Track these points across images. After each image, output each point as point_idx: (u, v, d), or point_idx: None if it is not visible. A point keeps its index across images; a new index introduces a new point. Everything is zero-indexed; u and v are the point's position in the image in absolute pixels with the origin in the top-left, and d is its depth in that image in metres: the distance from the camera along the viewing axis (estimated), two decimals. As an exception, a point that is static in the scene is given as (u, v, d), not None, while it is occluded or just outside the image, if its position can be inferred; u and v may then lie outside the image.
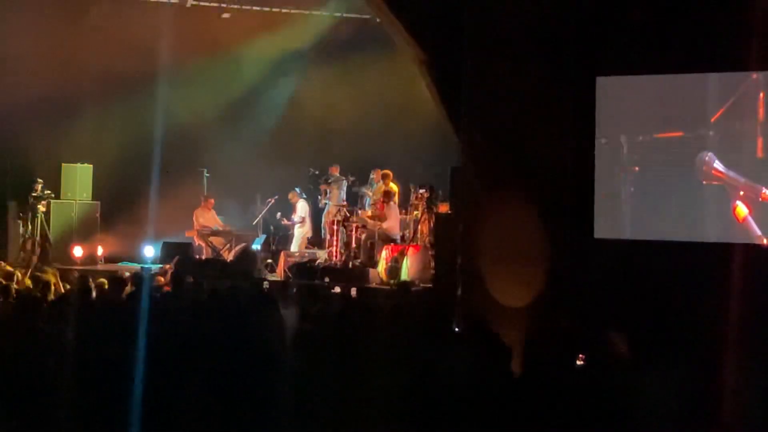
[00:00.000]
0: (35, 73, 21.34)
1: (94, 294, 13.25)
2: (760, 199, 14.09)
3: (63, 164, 22.39)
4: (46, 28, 21.37)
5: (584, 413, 8.44)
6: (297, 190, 22.19)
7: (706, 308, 13.21)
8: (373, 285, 18.36)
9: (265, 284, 16.50)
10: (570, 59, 14.81)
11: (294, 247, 21.50)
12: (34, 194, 21.56)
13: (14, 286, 13.70)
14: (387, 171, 21.08)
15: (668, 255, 14.20)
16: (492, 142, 15.72)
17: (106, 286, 13.64)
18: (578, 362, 10.24)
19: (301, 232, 21.79)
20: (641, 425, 8.49)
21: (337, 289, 15.27)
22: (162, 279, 16.20)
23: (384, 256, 19.15)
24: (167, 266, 19.28)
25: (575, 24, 14.72)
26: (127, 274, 15.62)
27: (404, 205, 20.83)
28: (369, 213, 20.58)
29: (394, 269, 18.73)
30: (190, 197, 22.44)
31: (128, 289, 14.43)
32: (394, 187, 20.78)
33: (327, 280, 16.36)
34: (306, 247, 21.66)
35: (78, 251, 21.46)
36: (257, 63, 23.19)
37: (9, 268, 16.48)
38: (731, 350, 11.31)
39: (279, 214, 22.28)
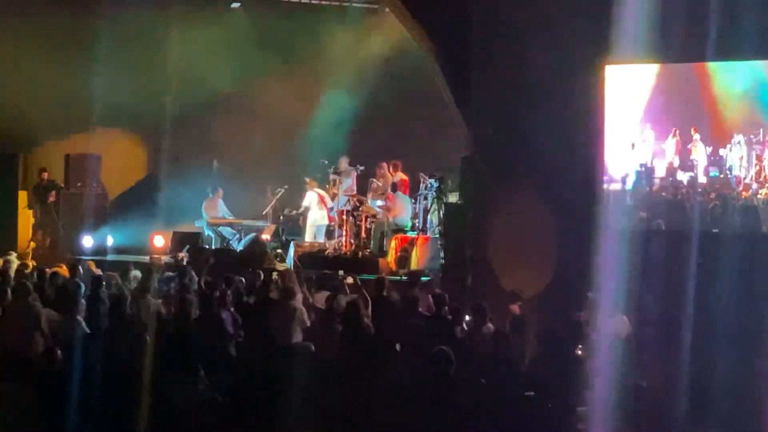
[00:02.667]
0: (44, 65, 21.40)
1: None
2: None
3: (72, 154, 22.37)
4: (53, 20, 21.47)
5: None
6: (306, 179, 22.08)
7: (715, 297, 13.20)
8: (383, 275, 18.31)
9: (275, 275, 16.48)
10: (579, 49, 14.79)
11: (307, 237, 21.44)
12: (42, 184, 21.59)
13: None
14: (396, 161, 21.02)
15: (676, 244, 14.19)
16: (501, 132, 15.73)
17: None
18: (578, 352, 10.34)
19: (309, 221, 21.71)
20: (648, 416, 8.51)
21: (350, 280, 15.21)
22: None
23: (393, 246, 19.12)
24: (181, 254, 19.31)
25: (584, 13, 14.70)
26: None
27: (414, 194, 20.76)
28: (379, 203, 20.53)
29: (403, 259, 18.69)
30: (199, 188, 22.44)
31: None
32: (403, 176, 20.72)
33: (341, 272, 16.36)
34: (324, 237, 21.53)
35: (88, 241, 21.46)
36: (267, 53, 23.16)
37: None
38: (739, 341, 11.26)
39: (287, 209, 22.29)
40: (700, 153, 14.64)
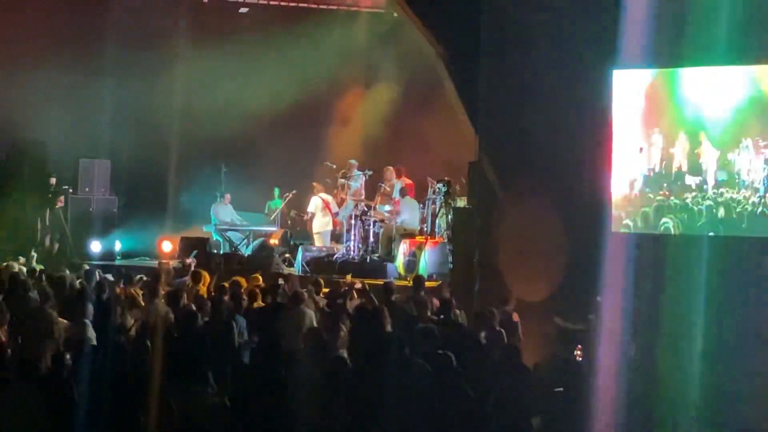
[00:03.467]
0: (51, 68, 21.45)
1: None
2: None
3: (81, 159, 22.39)
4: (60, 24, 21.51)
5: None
6: (314, 183, 22.06)
7: (722, 301, 13.19)
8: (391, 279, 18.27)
9: (280, 281, 16.43)
10: (587, 53, 14.79)
11: (316, 242, 21.42)
12: (50, 189, 21.60)
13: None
14: (400, 166, 20.99)
15: (685, 248, 14.17)
16: (509, 136, 15.73)
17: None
18: (576, 353, 10.34)
19: (314, 227, 21.67)
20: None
21: (358, 284, 15.19)
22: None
23: (402, 251, 19.09)
24: (187, 260, 19.29)
25: (592, 17, 14.70)
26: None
27: (422, 199, 20.73)
28: (387, 207, 20.50)
29: (411, 263, 18.67)
30: (208, 192, 22.47)
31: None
32: (408, 181, 20.70)
33: (349, 276, 16.35)
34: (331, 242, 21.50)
35: (96, 246, 21.48)
36: (275, 58, 23.16)
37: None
38: (745, 342, 11.27)
39: (293, 211, 22.31)
40: (708, 157, 14.61)
